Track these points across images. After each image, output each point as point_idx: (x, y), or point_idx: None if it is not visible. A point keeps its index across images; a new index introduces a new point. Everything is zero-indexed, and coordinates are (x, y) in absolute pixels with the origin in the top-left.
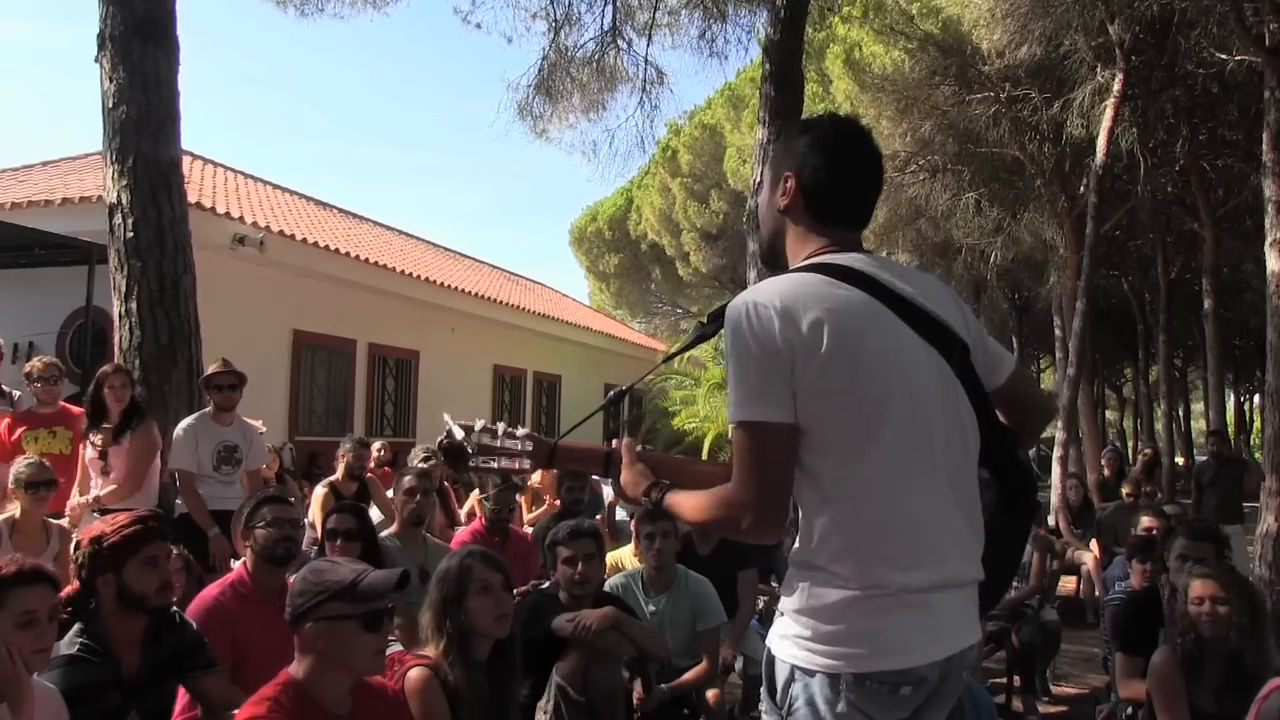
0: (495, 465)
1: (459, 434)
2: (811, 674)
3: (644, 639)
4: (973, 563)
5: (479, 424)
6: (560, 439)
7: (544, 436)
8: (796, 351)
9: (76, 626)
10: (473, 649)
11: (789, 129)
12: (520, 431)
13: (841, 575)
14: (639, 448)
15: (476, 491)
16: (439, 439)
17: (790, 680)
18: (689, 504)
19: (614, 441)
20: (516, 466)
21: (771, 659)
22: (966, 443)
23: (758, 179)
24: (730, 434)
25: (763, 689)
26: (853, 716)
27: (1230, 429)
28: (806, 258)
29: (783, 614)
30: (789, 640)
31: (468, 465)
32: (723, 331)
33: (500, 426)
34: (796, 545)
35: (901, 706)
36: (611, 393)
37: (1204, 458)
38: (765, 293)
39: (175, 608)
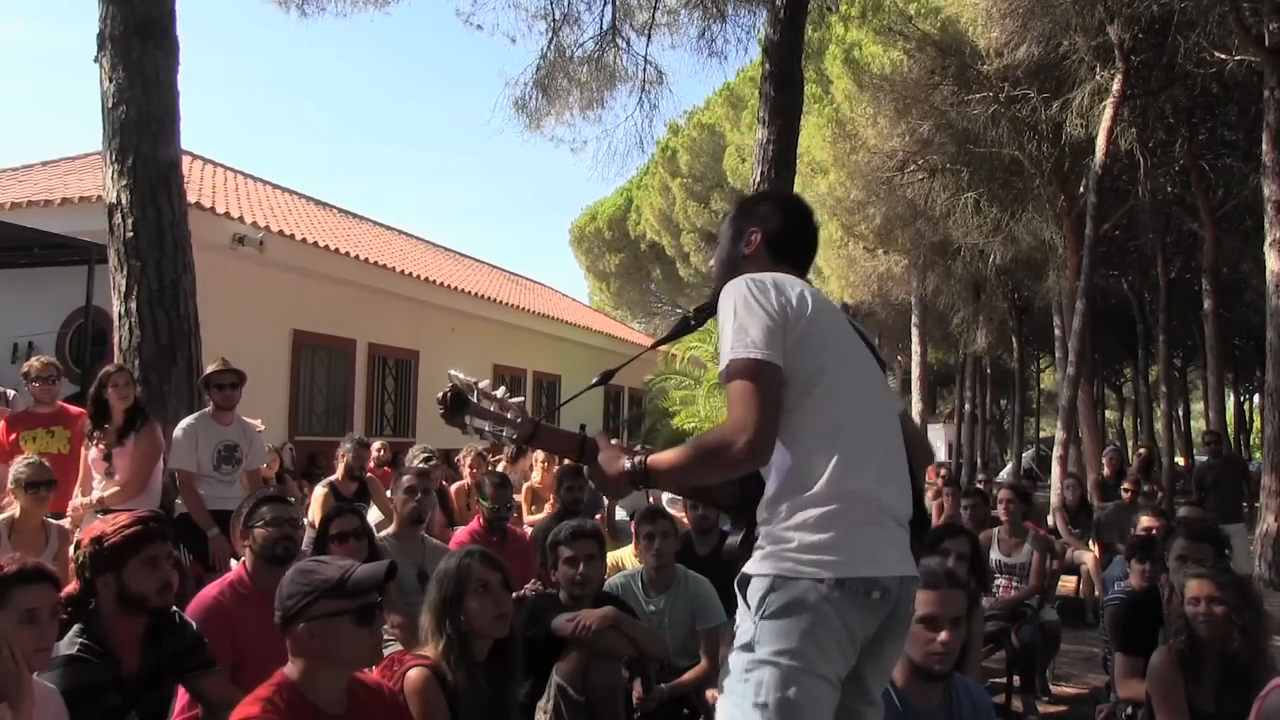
0: (486, 426)
1: (465, 381)
2: (795, 580)
3: (644, 639)
4: (908, 509)
5: (483, 383)
6: (543, 419)
7: (531, 415)
8: (790, 314)
9: (76, 627)
10: (472, 649)
11: (745, 199)
12: (515, 400)
13: (823, 489)
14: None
15: (458, 485)
16: (441, 392)
17: (770, 590)
18: (674, 454)
19: (584, 427)
20: (504, 432)
21: (746, 579)
22: (899, 434)
23: (758, 179)
24: (723, 378)
25: (738, 609)
26: (827, 620)
27: (1230, 429)
28: None
29: (763, 544)
30: (771, 557)
31: (463, 419)
32: (714, 319)
33: (500, 391)
34: (778, 479)
35: (871, 612)
36: (598, 375)
37: (1203, 458)
38: (759, 275)
39: (175, 608)
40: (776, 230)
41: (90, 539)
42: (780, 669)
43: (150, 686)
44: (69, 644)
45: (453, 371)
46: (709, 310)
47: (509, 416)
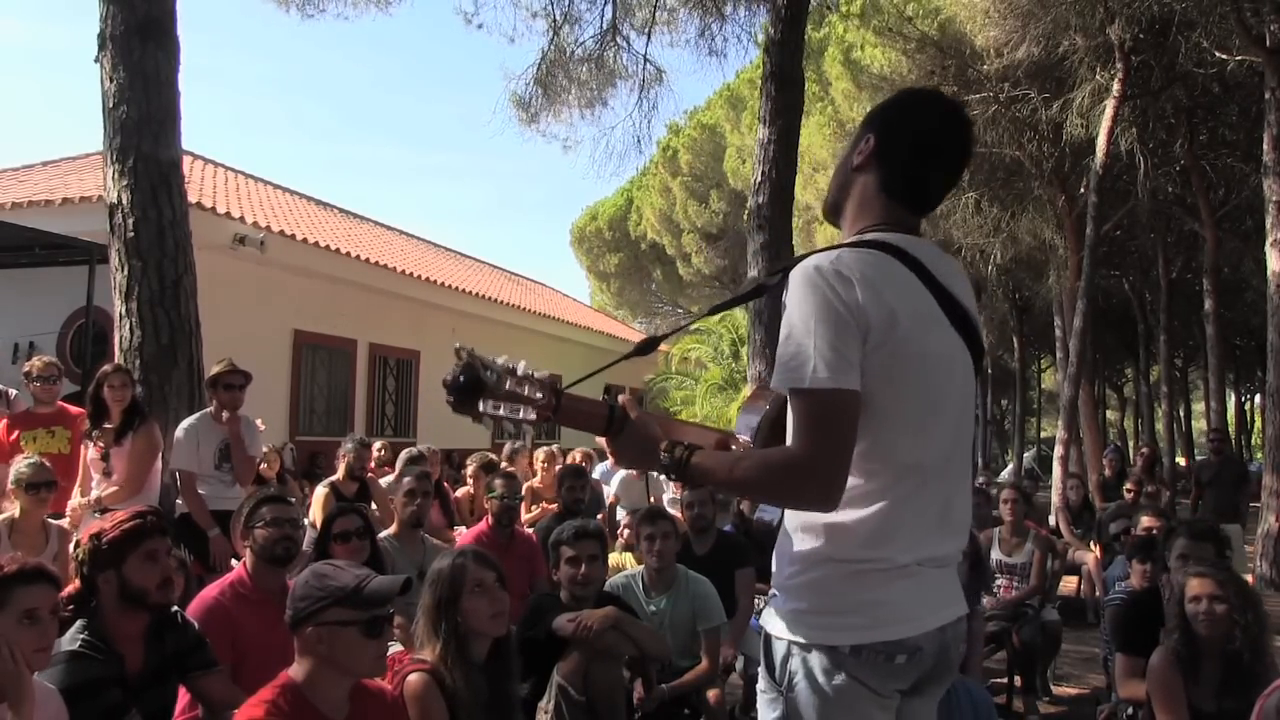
0: (503, 411)
1: (484, 369)
2: (809, 648)
3: (645, 639)
4: (963, 544)
5: (499, 361)
6: (567, 388)
7: (556, 386)
8: (873, 324)
9: (79, 622)
10: (470, 650)
11: (897, 92)
12: (541, 375)
13: (847, 549)
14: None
15: (463, 492)
16: (448, 374)
17: (787, 656)
18: (731, 472)
19: (608, 391)
20: (523, 416)
21: (768, 637)
22: (973, 437)
23: (759, 178)
24: (794, 396)
25: (760, 668)
26: (851, 688)
27: (1231, 429)
28: (862, 230)
29: (776, 593)
30: (785, 617)
31: (477, 407)
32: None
33: (520, 366)
34: (798, 519)
35: (898, 676)
36: (637, 344)
37: (1203, 456)
38: (843, 261)
39: (176, 607)
40: (891, 143)
41: (89, 536)
42: None
43: (152, 684)
44: (71, 640)
45: (461, 345)
46: (784, 275)
47: (527, 393)
